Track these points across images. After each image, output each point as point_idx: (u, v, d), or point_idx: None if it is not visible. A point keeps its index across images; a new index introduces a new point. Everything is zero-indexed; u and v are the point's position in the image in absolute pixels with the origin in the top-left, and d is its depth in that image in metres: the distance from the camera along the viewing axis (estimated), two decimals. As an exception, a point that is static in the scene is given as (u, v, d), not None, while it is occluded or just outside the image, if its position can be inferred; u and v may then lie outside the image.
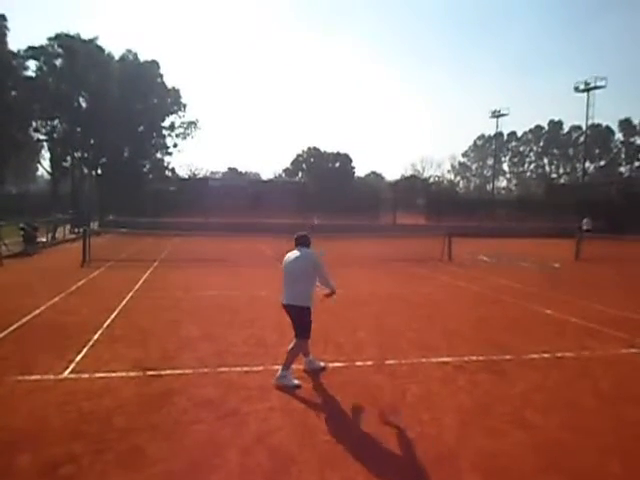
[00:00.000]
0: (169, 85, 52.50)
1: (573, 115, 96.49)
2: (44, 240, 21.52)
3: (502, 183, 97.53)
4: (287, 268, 5.96)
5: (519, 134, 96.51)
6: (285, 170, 76.40)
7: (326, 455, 4.16)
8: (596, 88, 53.92)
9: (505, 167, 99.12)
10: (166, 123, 53.51)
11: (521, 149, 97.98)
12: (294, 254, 6.02)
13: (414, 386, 5.72)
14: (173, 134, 54.30)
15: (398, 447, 4.31)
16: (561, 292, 12.29)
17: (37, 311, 8.99)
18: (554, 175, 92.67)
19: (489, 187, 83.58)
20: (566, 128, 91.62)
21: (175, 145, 54.71)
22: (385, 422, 4.78)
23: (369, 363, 6.53)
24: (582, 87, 54.94)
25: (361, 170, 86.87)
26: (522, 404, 5.27)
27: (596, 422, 4.91)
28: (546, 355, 7.02)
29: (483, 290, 12.44)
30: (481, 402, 5.31)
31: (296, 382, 5.69)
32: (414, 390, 5.60)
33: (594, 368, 6.56)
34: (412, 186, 64.54)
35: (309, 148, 75.37)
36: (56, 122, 49.94)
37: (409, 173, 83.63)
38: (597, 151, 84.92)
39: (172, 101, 52.80)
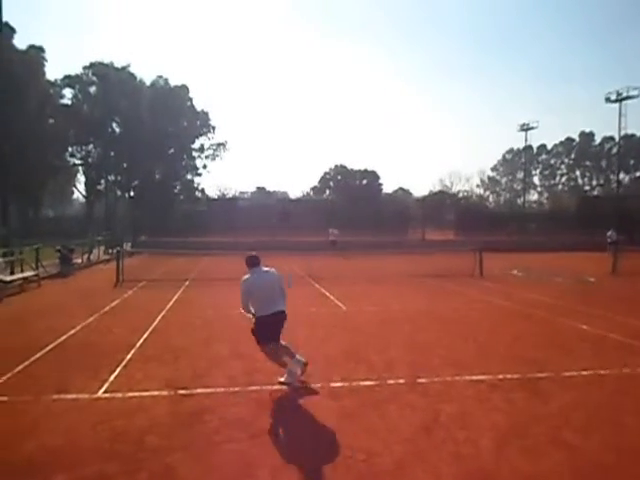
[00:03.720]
0: (198, 108, 53.78)
1: (605, 126, 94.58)
2: (79, 261, 22.07)
3: (533, 197, 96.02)
4: (268, 283, 6.34)
5: (549, 147, 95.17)
6: (313, 188, 76.92)
7: (360, 476, 4.09)
8: (628, 98, 52.79)
9: (536, 180, 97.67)
10: (196, 145, 54.69)
11: (552, 162, 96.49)
12: (262, 272, 6.41)
13: (448, 405, 5.60)
14: (203, 156, 55.42)
15: (434, 468, 4.20)
16: (598, 307, 11.90)
17: (72, 331, 9.19)
18: (587, 187, 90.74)
19: (520, 201, 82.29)
20: (598, 139, 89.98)
21: (205, 166, 55.81)
22: (419, 441, 4.68)
23: (401, 381, 6.43)
24: (614, 97, 53.89)
25: (389, 186, 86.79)
26: (561, 424, 5.10)
27: (640, 443, 4.71)
28: (585, 372, 6.80)
29: (516, 306, 12.16)
30: (517, 421, 5.16)
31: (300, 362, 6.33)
32: (448, 409, 5.47)
33: (636, 386, 6.31)
34: (441, 201, 63.98)
35: (336, 166, 75.86)
36: (90, 147, 51.69)
37: (437, 188, 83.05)
38: (632, 162, 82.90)
39: (201, 123, 53.97)
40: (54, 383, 6.26)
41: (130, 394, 5.93)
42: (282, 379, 6.29)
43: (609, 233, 28.28)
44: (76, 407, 5.52)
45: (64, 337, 8.72)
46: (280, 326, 6.32)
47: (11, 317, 10.76)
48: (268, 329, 6.24)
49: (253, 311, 6.32)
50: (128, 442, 4.65)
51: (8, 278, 14.37)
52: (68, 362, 7.24)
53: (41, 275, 16.40)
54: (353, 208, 43.03)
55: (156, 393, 5.97)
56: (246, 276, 6.37)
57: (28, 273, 15.87)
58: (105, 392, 6.00)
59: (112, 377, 6.54)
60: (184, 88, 52.89)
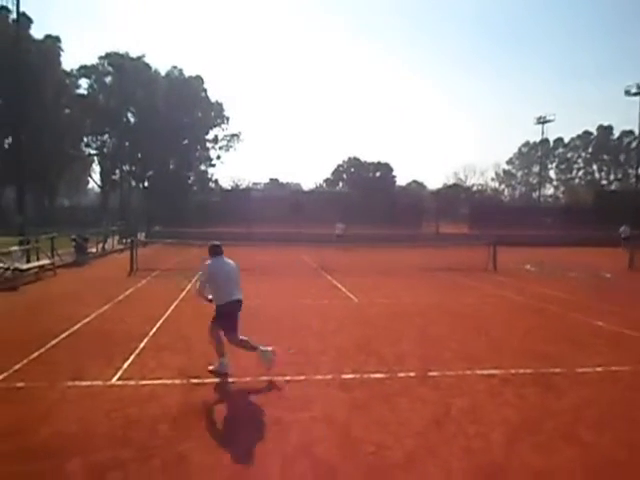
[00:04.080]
0: (213, 99, 53.90)
1: (624, 120, 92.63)
2: (94, 250, 22.27)
3: (549, 190, 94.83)
4: (226, 273, 6.40)
5: (566, 140, 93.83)
6: (326, 180, 76.77)
7: (370, 468, 4.10)
8: (649, 91, 51.79)
9: (552, 174, 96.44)
10: (210, 136, 54.88)
11: (569, 155, 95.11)
12: (224, 261, 6.51)
13: (459, 399, 5.58)
14: (217, 146, 55.64)
15: (445, 462, 4.20)
16: (613, 303, 11.76)
17: (87, 319, 9.30)
18: (604, 182, 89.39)
19: (535, 195, 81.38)
20: (616, 133, 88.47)
21: (218, 157, 56.06)
22: (429, 435, 4.68)
23: (412, 374, 6.42)
24: (634, 90, 52.93)
25: (402, 179, 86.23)
26: (573, 419, 5.06)
27: (654, 440, 4.65)
28: (599, 369, 6.73)
29: (530, 301, 12.06)
30: (529, 417, 5.13)
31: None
32: (459, 403, 5.46)
33: (651, 383, 6.24)
34: (455, 195, 63.55)
35: (349, 158, 75.58)
36: (106, 137, 52.11)
37: (452, 182, 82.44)
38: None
39: (216, 114, 54.09)
40: (69, 370, 6.35)
41: (143, 382, 5.99)
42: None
43: (622, 229, 27.92)
44: (90, 394, 5.60)
45: (79, 325, 8.82)
46: (237, 315, 6.44)
47: (27, 305, 10.92)
48: (229, 317, 6.34)
49: (210, 297, 6.44)
50: (141, 429, 4.71)
51: (24, 266, 14.57)
52: (83, 350, 7.33)
53: (56, 264, 16.59)
54: (366, 200, 42.91)
55: (169, 382, 6.03)
56: (208, 261, 6.49)
57: (44, 261, 16.06)
58: (119, 380, 6.07)
59: (126, 365, 6.61)
60: (199, 79, 52.99)
